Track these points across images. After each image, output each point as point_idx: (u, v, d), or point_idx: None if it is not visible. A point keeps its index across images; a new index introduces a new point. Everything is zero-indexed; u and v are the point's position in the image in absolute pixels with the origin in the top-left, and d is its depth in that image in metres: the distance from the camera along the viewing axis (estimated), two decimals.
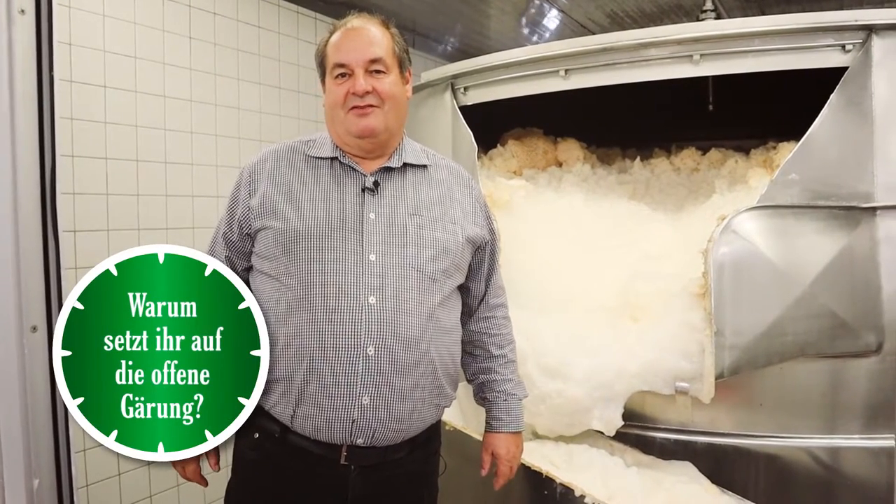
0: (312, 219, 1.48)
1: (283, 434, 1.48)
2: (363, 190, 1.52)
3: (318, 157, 1.56)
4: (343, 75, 1.51)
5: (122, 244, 2.76)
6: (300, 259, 1.46)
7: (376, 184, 1.53)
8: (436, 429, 1.64)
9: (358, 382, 1.42)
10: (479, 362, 1.72)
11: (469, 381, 1.77)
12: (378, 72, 1.51)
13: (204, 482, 1.59)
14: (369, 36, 1.52)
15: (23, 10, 1.43)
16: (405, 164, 1.58)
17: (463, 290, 1.68)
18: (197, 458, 1.55)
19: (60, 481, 1.54)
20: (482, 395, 1.73)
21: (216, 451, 1.57)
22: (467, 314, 1.72)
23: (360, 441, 1.45)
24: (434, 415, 1.58)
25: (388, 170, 1.56)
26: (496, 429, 1.69)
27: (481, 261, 1.69)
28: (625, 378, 2.01)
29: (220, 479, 1.62)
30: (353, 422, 1.43)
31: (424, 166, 1.62)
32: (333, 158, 1.56)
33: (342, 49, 1.52)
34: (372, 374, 1.43)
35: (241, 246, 1.57)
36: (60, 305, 1.51)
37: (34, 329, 1.48)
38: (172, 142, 2.97)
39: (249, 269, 1.59)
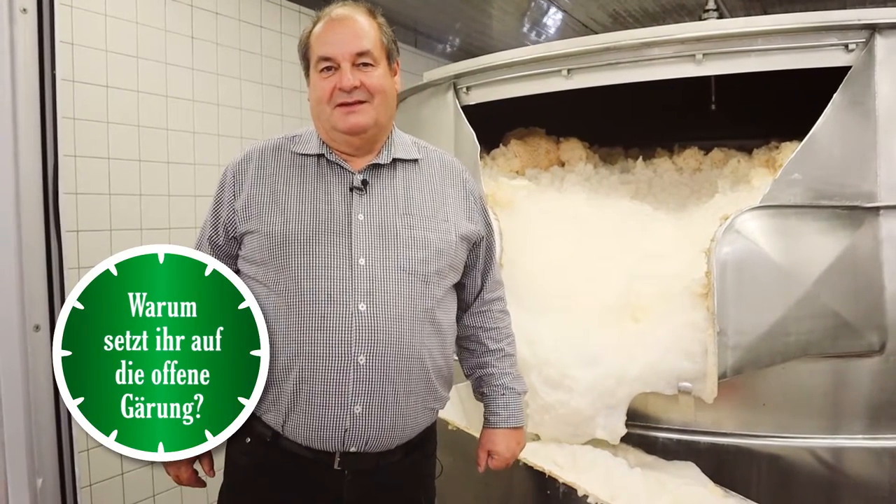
0: (298, 222, 1.43)
1: (275, 438, 1.46)
2: (351, 189, 1.47)
3: (304, 155, 1.51)
4: (328, 69, 1.44)
5: (125, 244, 2.75)
6: (287, 265, 1.42)
7: (365, 182, 1.47)
8: (431, 431, 1.61)
9: (349, 392, 1.39)
10: (475, 357, 1.68)
11: (467, 377, 1.73)
12: (366, 65, 1.44)
13: (202, 484, 1.57)
14: (355, 27, 1.45)
15: (25, 9, 1.42)
16: (394, 160, 1.52)
17: (459, 285, 1.63)
18: (191, 464, 1.53)
19: (64, 480, 1.54)
20: (480, 390, 1.69)
21: (210, 456, 1.54)
22: (463, 309, 1.66)
23: (353, 448, 1.42)
24: (428, 418, 1.55)
25: (376, 167, 1.50)
26: (495, 424, 1.64)
27: (477, 257, 1.64)
28: (627, 383, 2.00)
29: (216, 480, 1.62)
30: (346, 431, 1.40)
31: (415, 160, 1.56)
32: (320, 156, 1.50)
33: (327, 41, 1.44)
34: (363, 383, 1.39)
35: (227, 249, 1.53)
36: (63, 305, 1.51)
37: (37, 328, 1.48)
38: (175, 142, 2.97)
39: (237, 273, 1.54)
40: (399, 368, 1.42)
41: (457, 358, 1.70)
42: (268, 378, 1.43)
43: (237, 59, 3.28)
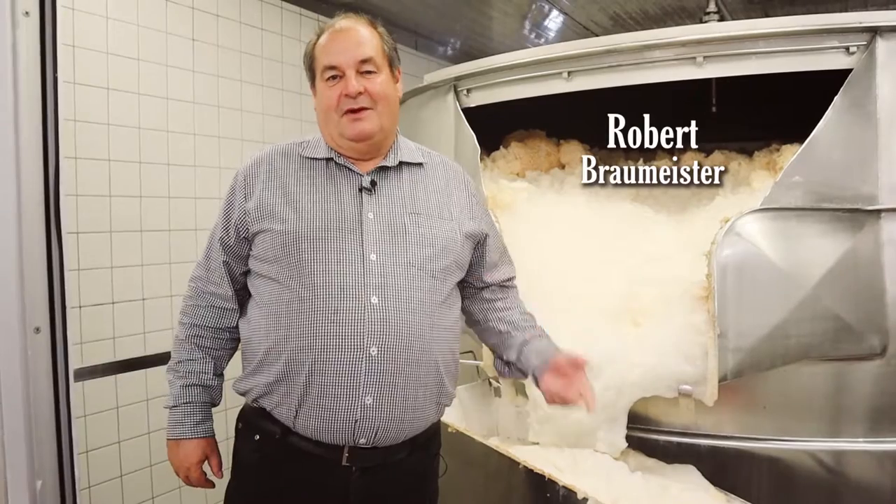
0: (311, 220, 1.47)
1: (284, 436, 1.47)
2: (360, 190, 1.52)
3: (314, 158, 1.55)
4: (334, 77, 1.50)
5: (125, 246, 2.76)
6: (300, 260, 1.45)
7: (373, 183, 1.52)
8: (436, 430, 1.64)
9: (361, 383, 1.42)
10: (521, 333, 1.70)
11: (505, 356, 1.74)
12: (369, 72, 1.50)
13: (211, 485, 1.61)
14: (358, 36, 1.51)
15: (27, 13, 1.42)
16: (401, 163, 1.58)
17: (480, 284, 1.71)
18: (201, 464, 1.57)
19: (63, 483, 1.54)
20: (524, 352, 1.68)
21: (218, 456, 1.60)
22: (490, 294, 1.73)
23: (362, 441, 1.44)
24: (435, 413, 1.57)
25: (384, 169, 1.56)
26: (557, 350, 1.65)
27: (482, 255, 1.69)
28: (627, 390, 2.00)
29: (222, 480, 1.62)
30: (356, 422, 1.42)
31: (420, 164, 1.61)
32: (329, 159, 1.55)
33: (332, 51, 1.50)
34: (375, 375, 1.42)
35: (238, 250, 1.55)
36: (63, 307, 1.51)
37: (37, 330, 1.48)
38: (175, 143, 2.97)
39: (246, 273, 1.58)
40: (410, 360, 1.45)
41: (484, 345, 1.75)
42: (280, 373, 1.46)
43: (238, 61, 3.28)
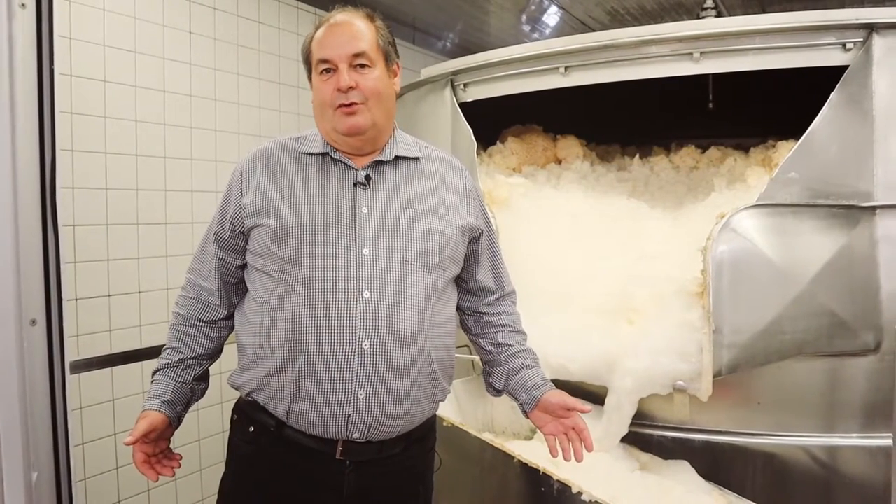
0: (305, 214, 1.47)
1: (279, 428, 1.48)
2: (355, 184, 1.51)
3: (309, 154, 1.55)
4: (328, 71, 1.49)
5: (121, 238, 2.76)
6: (294, 255, 1.45)
7: (368, 178, 1.52)
8: (432, 425, 1.64)
9: (353, 377, 1.42)
10: (510, 357, 1.69)
11: (490, 373, 1.74)
12: (362, 66, 1.49)
13: (152, 476, 1.51)
14: (352, 30, 1.50)
15: (23, 4, 1.42)
16: (397, 157, 1.57)
17: (473, 283, 1.69)
18: (143, 434, 1.46)
19: (59, 474, 1.54)
20: (514, 381, 1.68)
21: (149, 426, 1.47)
22: (484, 307, 1.72)
23: (355, 436, 1.44)
24: (430, 408, 1.57)
25: (379, 163, 1.55)
26: (549, 388, 1.63)
27: (477, 251, 1.68)
28: (626, 396, 2.00)
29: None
30: (349, 416, 1.42)
31: (416, 158, 1.61)
32: (324, 154, 1.55)
33: (326, 45, 1.50)
34: (367, 369, 1.42)
35: (233, 244, 1.56)
36: (60, 299, 1.51)
37: (33, 323, 1.48)
38: (172, 137, 2.97)
39: (243, 266, 1.58)
40: (402, 355, 1.45)
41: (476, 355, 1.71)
42: (273, 367, 1.45)
43: (235, 54, 3.27)
